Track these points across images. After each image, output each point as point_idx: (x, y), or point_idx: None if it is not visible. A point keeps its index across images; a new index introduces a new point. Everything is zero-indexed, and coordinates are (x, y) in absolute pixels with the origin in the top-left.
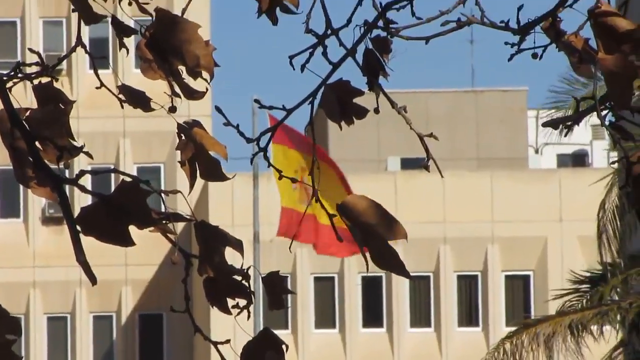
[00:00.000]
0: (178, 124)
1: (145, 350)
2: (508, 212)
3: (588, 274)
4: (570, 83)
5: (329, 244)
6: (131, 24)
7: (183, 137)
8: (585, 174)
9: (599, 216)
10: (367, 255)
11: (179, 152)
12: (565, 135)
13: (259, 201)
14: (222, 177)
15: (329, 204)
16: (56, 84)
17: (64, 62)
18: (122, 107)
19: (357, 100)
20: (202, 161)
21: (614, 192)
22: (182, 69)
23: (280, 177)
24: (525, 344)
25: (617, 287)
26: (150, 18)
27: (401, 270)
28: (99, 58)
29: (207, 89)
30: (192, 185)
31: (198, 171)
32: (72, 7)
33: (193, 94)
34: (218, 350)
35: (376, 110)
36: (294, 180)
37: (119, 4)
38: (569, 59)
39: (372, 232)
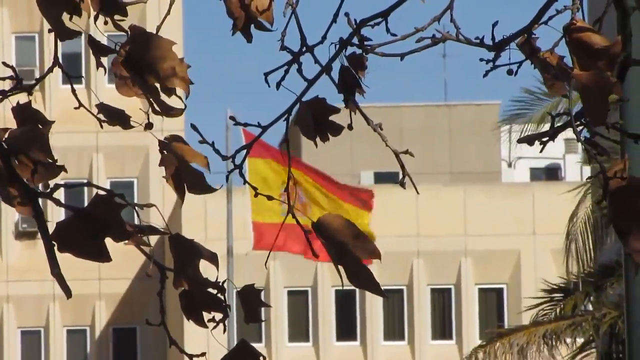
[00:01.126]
0: (159, 140)
1: None
2: (481, 226)
3: (562, 284)
4: (531, 92)
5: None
6: (104, 39)
7: (165, 153)
8: (558, 187)
9: (569, 227)
10: (343, 273)
11: (158, 164)
12: (541, 152)
13: (232, 215)
14: (207, 189)
15: (321, 212)
16: (30, 98)
17: (37, 77)
18: (102, 126)
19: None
20: (186, 174)
21: (586, 204)
22: (158, 85)
23: (255, 195)
24: (499, 353)
25: (590, 296)
26: (124, 34)
27: (376, 289)
28: (76, 77)
29: (185, 106)
30: (182, 199)
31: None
32: (46, 23)
33: (170, 111)
34: None
35: (349, 127)
36: (269, 198)
37: (95, 23)
38: (542, 77)
39: (346, 251)
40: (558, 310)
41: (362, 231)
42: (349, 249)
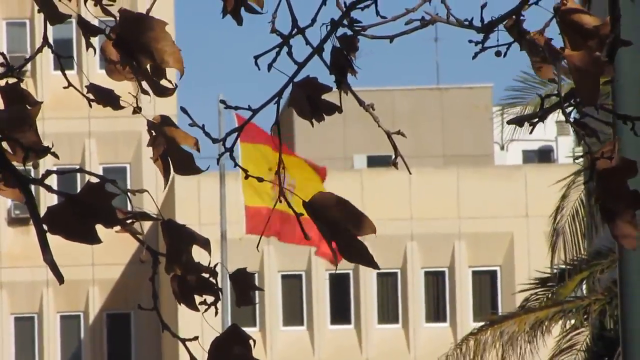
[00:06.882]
0: (148, 120)
1: (113, 349)
2: (474, 209)
3: (555, 270)
4: (525, 80)
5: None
6: (96, 23)
7: (154, 134)
8: (551, 169)
9: (556, 216)
10: (336, 249)
11: (150, 149)
12: (531, 133)
13: (225, 200)
14: (195, 170)
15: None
16: (22, 83)
17: (29, 63)
18: (91, 106)
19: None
20: (174, 156)
21: (576, 190)
22: (149, 66)
23: (246, 177)
24: (489, 341)
25: (583, 281)
26: (113, 19)
27: (370, 262)
28: (65, 58)
29: (176, 85)
30: (166, 181)
31: (172, 166)
32: (37, 7)
33: (163, 91)
34: (186, 347)
35: (339, 110)
36: (260, 180)
37: (85, 4)
38: (530, 60)
39: (339, 227)
40: (550, 294)
41: (355, 207)
42: (342, 225)
